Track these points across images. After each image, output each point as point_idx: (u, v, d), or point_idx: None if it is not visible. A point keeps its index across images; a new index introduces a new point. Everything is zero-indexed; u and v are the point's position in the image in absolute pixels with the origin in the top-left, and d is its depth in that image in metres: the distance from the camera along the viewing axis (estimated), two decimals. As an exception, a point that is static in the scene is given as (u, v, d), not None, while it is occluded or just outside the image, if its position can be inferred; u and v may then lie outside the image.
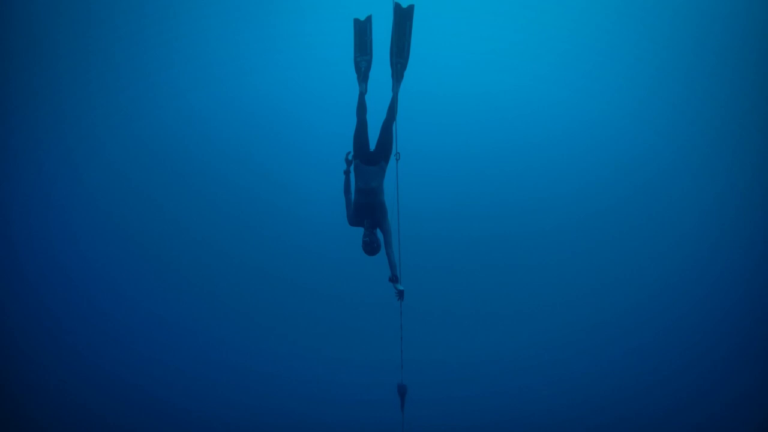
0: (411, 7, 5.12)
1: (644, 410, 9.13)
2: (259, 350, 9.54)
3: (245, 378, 9.41)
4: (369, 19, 5.50)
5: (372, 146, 5.35)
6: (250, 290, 9.72)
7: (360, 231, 5.34)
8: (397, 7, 5.18)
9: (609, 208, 9.75)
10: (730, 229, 9.44)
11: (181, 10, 9.59)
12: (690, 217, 9.59)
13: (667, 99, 9.63)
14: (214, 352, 9.54)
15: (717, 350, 9.21)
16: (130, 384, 9.17)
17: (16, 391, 8.86)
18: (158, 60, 9.66)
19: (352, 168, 5.38)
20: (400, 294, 5.28)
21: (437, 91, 9.63)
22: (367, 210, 5.25)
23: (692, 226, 9.58)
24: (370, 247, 5.24)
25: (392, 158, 5.33)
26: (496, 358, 9.51)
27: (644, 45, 9.56)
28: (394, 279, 5.27)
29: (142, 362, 9.33)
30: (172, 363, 9.36)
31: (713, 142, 9.52)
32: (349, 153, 5.37)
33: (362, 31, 5.52)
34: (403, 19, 5.16)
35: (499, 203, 9.91)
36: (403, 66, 5.26)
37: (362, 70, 5.43)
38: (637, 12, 9.46)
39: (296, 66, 9.81)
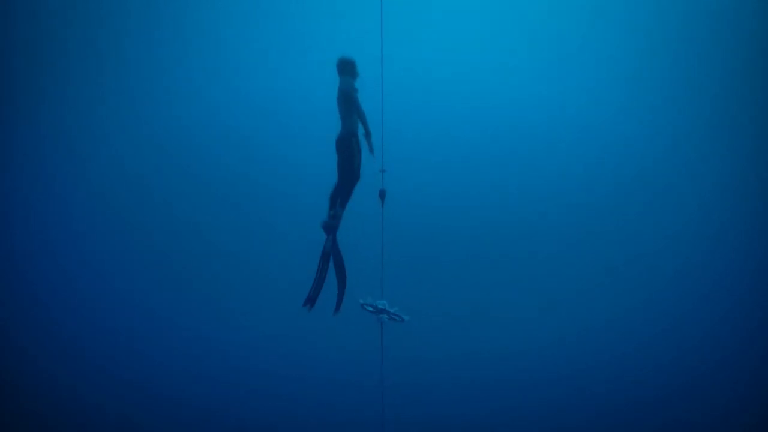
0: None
1: (644, 411, 9.12)
2: (258, 349, 9.58)
3: (244, 377, 9.46)
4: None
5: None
6: (249, 290, 9.76)
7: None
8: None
9: (608, 208, 9.77)
10: (731, 227, 9.44)
11: (188, 7, 9.67)
12: (690, 216, 9.59)
13: (667, 98, 9.65)
14: (214, 351, 9.60)
15: (717, 350, 9.20)
16: (128, 382, 9.23)
17: (16, 391, 8.91)
18: (164, 57, 9.75)
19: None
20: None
21: (431, 90, 9.68)
22: None
23: (693, 224, 9.58)
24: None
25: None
26: (493, 358, 9.53)
27: (644, 44, 9.58)
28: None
29: (142, 361, 9.39)
30: (171, 362, 9.42)
31: (713, 140, 9.53)
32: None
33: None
34: None
35: (499, 203, 9.94)
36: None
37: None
38: (634, 8, 9.48)
39: (303, 65, 9.88)
